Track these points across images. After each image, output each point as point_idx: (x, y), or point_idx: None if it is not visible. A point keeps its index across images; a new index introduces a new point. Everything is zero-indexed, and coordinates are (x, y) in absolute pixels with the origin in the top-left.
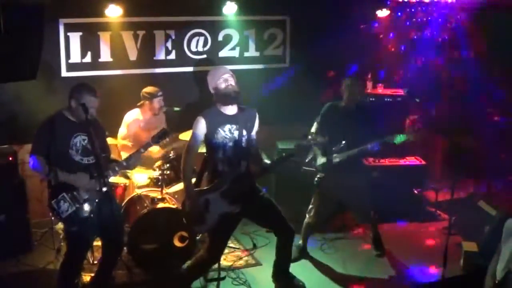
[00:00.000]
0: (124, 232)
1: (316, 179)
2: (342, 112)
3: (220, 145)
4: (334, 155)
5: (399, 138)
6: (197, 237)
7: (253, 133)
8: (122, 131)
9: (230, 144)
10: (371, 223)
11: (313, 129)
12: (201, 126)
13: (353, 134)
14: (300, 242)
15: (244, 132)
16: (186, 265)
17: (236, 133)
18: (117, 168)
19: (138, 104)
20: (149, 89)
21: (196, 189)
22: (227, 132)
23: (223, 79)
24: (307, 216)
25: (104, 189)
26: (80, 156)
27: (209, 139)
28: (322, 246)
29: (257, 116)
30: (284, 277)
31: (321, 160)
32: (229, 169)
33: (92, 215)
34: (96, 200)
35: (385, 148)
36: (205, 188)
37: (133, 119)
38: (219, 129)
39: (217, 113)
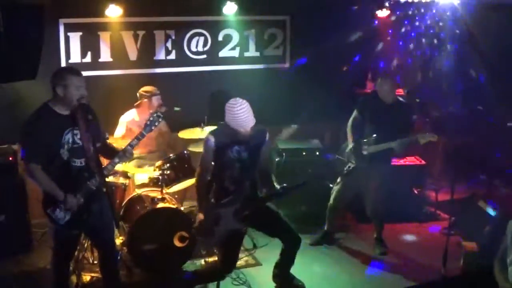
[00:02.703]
0: (114, 231)
1: (346, 168)
2: (379, 106)
3: (227, 164)
4: (365, 146)
5: (424, 138)
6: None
7: (262, 151)
8: (120, 131)
9: (237, 164)
10: (378, 223)
11: (352, 118)
12: (210, 145)
13: (385, 130)
14: (325, 227)
15: (252, 153)
16: (195, 269)
17: (244, 154)
18: (110, 167)
19: (136, 104)
20: (147, 88)
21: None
22: (234, 154)
23: (243, 127)
24: (330, 199)
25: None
26: (72, 157)
27: (216, 158)
28: (322, 246)
29: (267, 135)
30: (284, 278)
31: (349, 146)
32: (236, 188)
33: (86, 216)
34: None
35: (410, 147)
36: (219, 202)
37: (131, 119)
38: (227, 150)
39: (226, 133)
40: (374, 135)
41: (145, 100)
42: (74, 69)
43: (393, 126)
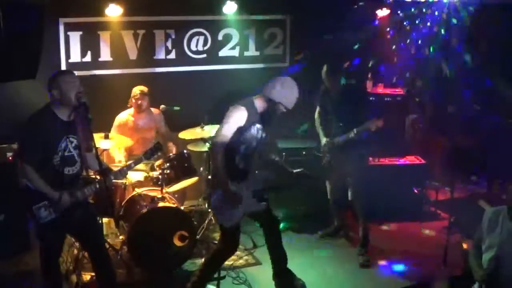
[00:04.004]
0: (100, 236)
1: (323, 162)
2: (333, 96)
3: (245, 141)
4: (336, 139)
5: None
6: (197, 237)
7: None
8: (113, 133)
9: (253, 143)
10: (360, 212)
11: (316, 113)
12: (242, 118)
13: (346, 117)
14: (335, 222)
15: (264, 135)
16: (200, 266)
17: (259, 134)
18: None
19: (129, 105)
20: (135, 88)
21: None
22: (254, 131)
23: (291, 106)
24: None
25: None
26: (62, 165)
27: (238, 132)
28: (321, 245)
29: None
30: (285, 276)
31: (323, 140)
32: (246, 167)
33: (67, 221)
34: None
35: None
36: (237, 184)
37: (121, 121)
38: (252, 126)
39: (255, 109)
40: (341, 124)
41: (133, 101)
42: (64, 70)
43: (351, 111)
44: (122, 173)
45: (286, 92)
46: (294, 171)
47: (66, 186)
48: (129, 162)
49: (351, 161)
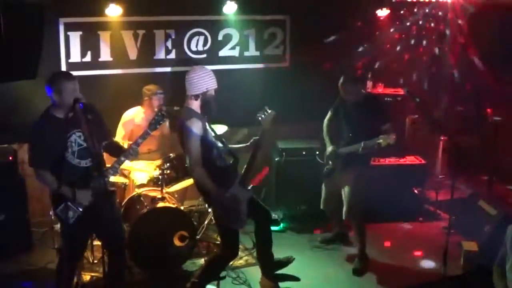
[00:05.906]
0: (123, 230)
1: (325, 169)
2: (347, 106)
3: (213, 143)
4: (341, 149)
5: (385, 140)
6: (197, 237)
7: None
8: (119, 131)
9: (217, 140)
10: (356, 229)
11: (326, 119)
12: (199, 128)
13: (357, 129)
14: (336, 229)
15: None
16: (198, 271)
17: (210, 130)
18: (117, 165)
19: (140, 102)
20: (149, 86)
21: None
22: (210, 131)
23: (215, 88)
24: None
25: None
26: (77, 159)
27: (204, 140)
28: (321, 245)
29: None
30: (271, 264)
31: (329, 148)
32: (224, 163)
33: (95, 215)
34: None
35: (378, 149)
36: (227, 185)
37: (128, 118)
38: (207, 128)
39: (197, 114)
40: (350, 134)
41: (146, 98)
42: (66, 74)
43: (362, 124)
44: (133, 151)
45: (201, 77)
46: (248, 143)
47: (83, 179)
48: (135, 140)
49: (353, 174)
